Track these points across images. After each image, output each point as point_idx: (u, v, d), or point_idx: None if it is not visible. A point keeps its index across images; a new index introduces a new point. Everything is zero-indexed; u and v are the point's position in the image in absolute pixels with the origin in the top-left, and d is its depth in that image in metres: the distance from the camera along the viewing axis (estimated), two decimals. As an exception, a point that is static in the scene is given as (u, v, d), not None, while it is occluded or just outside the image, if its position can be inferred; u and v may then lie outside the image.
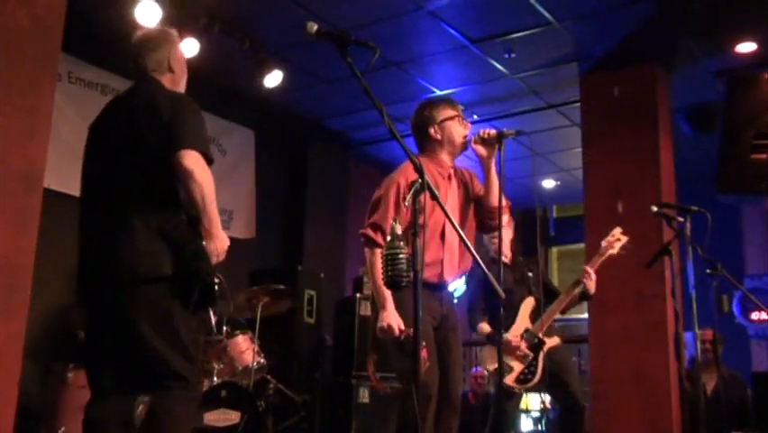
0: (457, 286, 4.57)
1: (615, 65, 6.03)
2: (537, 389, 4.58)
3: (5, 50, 3.49)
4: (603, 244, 4.41)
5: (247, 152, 7.18)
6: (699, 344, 3.91)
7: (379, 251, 3.03)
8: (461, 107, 3.46)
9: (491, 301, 4.60)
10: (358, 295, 6.51)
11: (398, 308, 3.07)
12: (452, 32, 5.72)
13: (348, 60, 2.26)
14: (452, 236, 3.23)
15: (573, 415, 4.51)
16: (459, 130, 3.36)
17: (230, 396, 4.54)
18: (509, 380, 4.38)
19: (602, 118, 6.16)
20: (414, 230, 2.25)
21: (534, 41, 5.81)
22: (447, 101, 3.48)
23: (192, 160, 2.61)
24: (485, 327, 4.58)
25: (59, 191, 5.16)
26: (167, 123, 2.67)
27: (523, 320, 4.54)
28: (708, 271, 4.09)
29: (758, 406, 5.44)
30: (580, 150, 6.37)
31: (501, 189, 3.18)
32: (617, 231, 4.41)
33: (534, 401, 7.15)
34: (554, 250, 10.90)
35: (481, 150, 3.26)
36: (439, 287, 3.27)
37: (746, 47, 5.80)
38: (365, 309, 6.31)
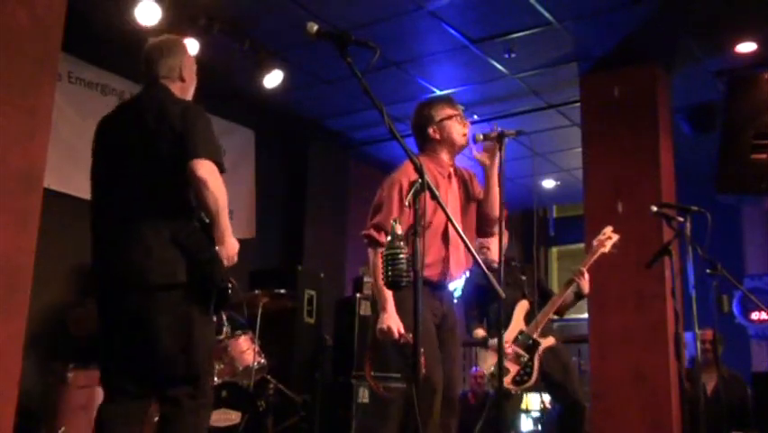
0: (457, 286, 4.56)
1: (615, 65, 6.03)
2: (535, 389, 4.59)
3: (5, 50, 3.49)
4: (594, 243, 4.44)
5: (247, 151, 7.17)
6: (699, 344, 3.91)
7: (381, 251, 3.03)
8: (460, 107, 3.46)
9: (485, 306, 4.65)
10: (358, 295, 6.51)
11: (399, 308, 3.07)
12: (452, 32, 5.72)
13: (348, 60, 2.25)
14: (455, 233, 3.23)
15: (574, 415, 4.52)
16: (458, 129, 3.37)
17: (230, 396, 4.54)
18: (506, 382, 4.39)
19: (602, 118, 6.16)
20: (414, 230, 2.25)
21: (534, 41, 5.81)
22: (446, 100, 3.48)
23: (206, 169, 2.68)
24: (480, 332, 4.64)
25: (59, 191, 5.16)
26: (179, 132, 2.71)
27: (517, 323, 4.55)
28: (708, 271, 4.10)
29: (758, 406, 5.44)
30: (579, 150, 6.37)
31: (502, 196, 3.19)
32: (608, 230, 4.45)
33: (534, 401, 7.15)
34: (554, 250, 10.90)
35: (483, 158, 3.27)
36: (440, 286, 3.28)
37: (746, 47, 5.79)
38: (365, 309, 6.31)
